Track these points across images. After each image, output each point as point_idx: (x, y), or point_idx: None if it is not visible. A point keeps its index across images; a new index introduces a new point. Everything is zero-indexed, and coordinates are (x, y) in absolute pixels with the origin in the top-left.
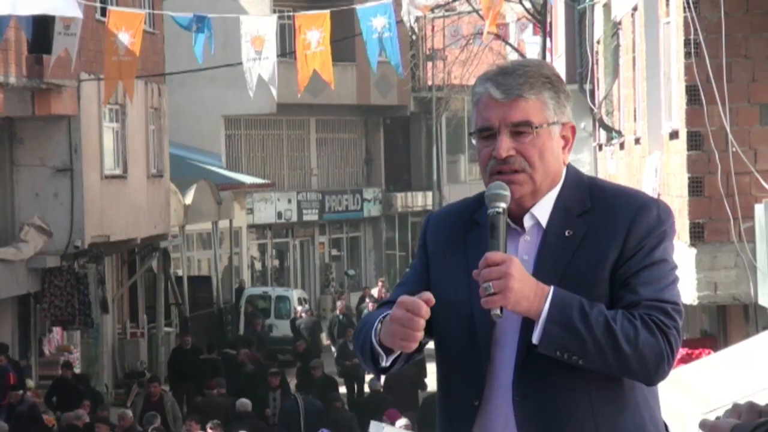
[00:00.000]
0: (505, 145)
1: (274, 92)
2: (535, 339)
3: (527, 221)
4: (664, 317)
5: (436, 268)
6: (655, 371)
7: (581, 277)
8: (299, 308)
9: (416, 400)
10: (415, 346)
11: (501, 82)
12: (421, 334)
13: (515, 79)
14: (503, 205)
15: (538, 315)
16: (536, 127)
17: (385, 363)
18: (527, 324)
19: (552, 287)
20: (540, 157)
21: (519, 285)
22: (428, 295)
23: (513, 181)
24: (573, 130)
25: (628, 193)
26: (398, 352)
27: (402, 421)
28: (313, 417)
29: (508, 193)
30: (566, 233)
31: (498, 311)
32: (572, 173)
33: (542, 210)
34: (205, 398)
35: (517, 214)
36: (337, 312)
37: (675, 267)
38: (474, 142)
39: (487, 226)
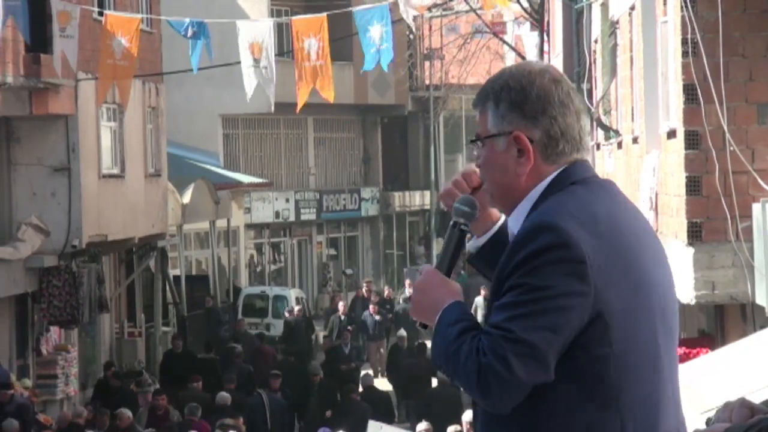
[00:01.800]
0: (472, 155)
1: (272, 99)
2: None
3: (510, 230)
4: (488, 344)
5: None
6: (472, 395)
7: (492, 295)
8: (296, 308)
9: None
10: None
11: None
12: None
13: (477, 93)
14: (460, 219)
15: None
16: (478, 140)
17: (471, 244)
18: None
19: (449, 303)
20: (485, 171)
21: (419, 297)
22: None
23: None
24: (518, 139)
25: (539, 211)
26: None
27: (423, 425)
28: (278, 413)
29: (467, 208)
30: (503, 258)
31: (418, 323)
32: (557, 181)
33: (517, 219)
34: (187, 391)
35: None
36: (340, 313)
37: (544, 293)
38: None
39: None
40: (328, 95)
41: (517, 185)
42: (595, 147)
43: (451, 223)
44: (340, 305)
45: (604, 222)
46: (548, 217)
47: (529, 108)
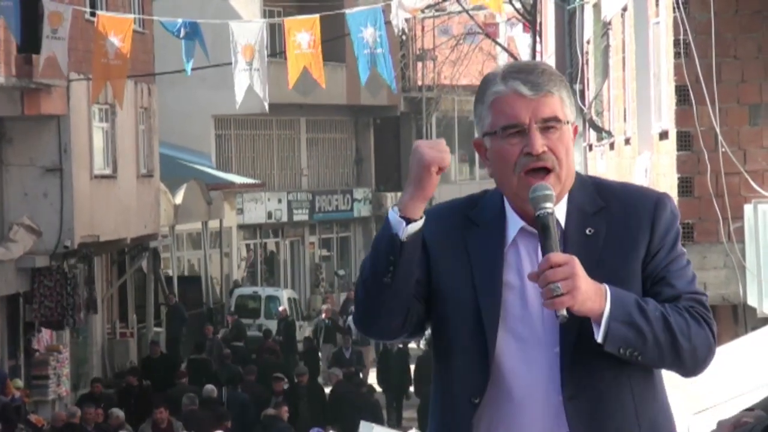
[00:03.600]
0: (540, 141)
1: (266, 105)
2: (599, 338)
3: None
4: (704, 309)
5: (436, 261)
6: (704, 362)
7: (613, 273)
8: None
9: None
10: (448, 158)
11: (527, 79)
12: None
13: (539, 76)
14: (550, 204)
15: (600, 314)
16: (563, 123)
17: (402, 234)
18: (570, 325)
19: (606, 285)
20: (566, 154)
21: (585, 285)
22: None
23: (547, 181)
24: (576, 130)
25: (638, 189)
26: (418, 222)
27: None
28: (239, 410)
29: (552, 192)
30: (587, 231)
31: (564, 312)
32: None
33: (558, 210)
34: (175, 387)
35: (532, 215)
36: (323, 316)
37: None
38: (488, 142)
39: (538, 228)
40: (319, 76)
41: (574, 172)
42: (588, 148)
43: (546, 212)
44: (323, 308)
45: None
46: (662, 194)
47: None
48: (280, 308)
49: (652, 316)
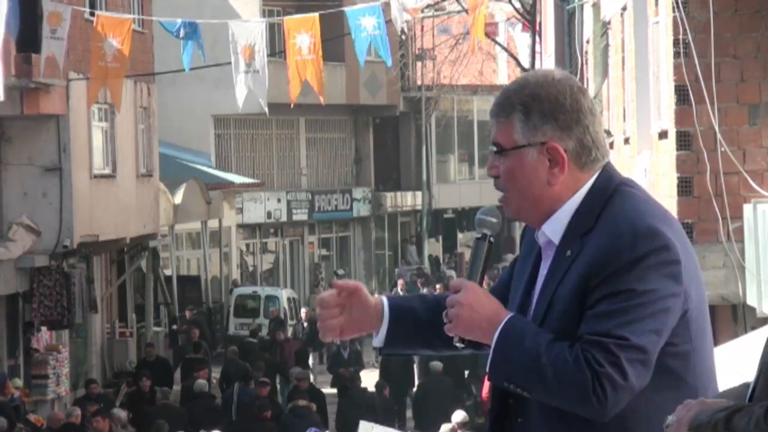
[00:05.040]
0: (489, 164)
1: (265, 107)
2: (487, 369)
3: (540, 238)
4: (600, 354)
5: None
6: (580, 407)
7: (563, 300)
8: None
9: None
10: (330, 336)
11: (494, 103)
12: (334, 322)
13: (497, 101)
14: (487, 231)
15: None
16: (503, 150)
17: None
18: None
19: (509, 316)
20: (511, 180)
21: (468, 313)
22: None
23: (502, 202)
24: (553, 149)
25: (621, 216)
26: (381, 328)
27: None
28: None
29: (494, 219)
30: (567, 253)
31: (457, 340)
32: (599, 188)
33: (554, 227)
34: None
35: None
36: (303, 319)
37: (649, 298)
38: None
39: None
40: (319, 88)
41: (548, 194)
42: None
43: (479, 235)
44: (303, 311)
45: (673, 219)
46: (638, 221)
47: (563, 119)
48: (272, 308)
49: (535, 354)
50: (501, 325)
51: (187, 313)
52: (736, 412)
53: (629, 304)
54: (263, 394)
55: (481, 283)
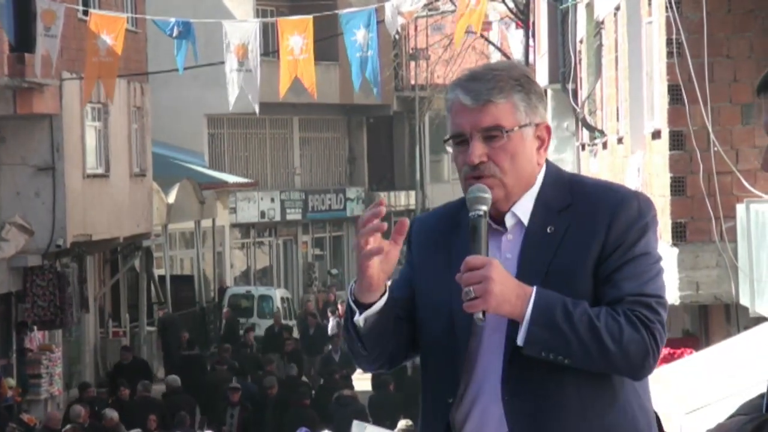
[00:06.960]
0: (477, 152)
1: (257, 107)
2: (519, 341)
3: (509, 220)
4: (648, 312)
5: (420, 269)
6: (641, 367)
7: (565, 273)
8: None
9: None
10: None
11: (470, 87)
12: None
13: (484, 84)
14: (484, 207)
15: (522, 317)
16: (507, 131)
17: (357, 316)
18: (513, 325)
19: (535, 288)
20: (511, 162)
21: (499, 288)
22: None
23: (489, 185)
24: (548, 129)
25: (608, 187)
26: (373, 305)
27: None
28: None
29: (489, 195)
30: (548, 230)
31: (480, 315)
32: (552, 171)
33: (523, 208)
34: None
35: (496, 214)
36: (275, 324)
37: (658, 259)
38: (449, 149)
39: (469, 230)
40: (310, 85)
41: (534, 174)
42: (580, 147)
43: (476, 213)
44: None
45: None
46: (629, 190)
47: (544, 101)
48: (275, 310)
49: (578, 320)
50: (533, 296)
51: (160, 313)
52: (766, 423)
53: (649, 266)
54: (234, 399)
55: None
